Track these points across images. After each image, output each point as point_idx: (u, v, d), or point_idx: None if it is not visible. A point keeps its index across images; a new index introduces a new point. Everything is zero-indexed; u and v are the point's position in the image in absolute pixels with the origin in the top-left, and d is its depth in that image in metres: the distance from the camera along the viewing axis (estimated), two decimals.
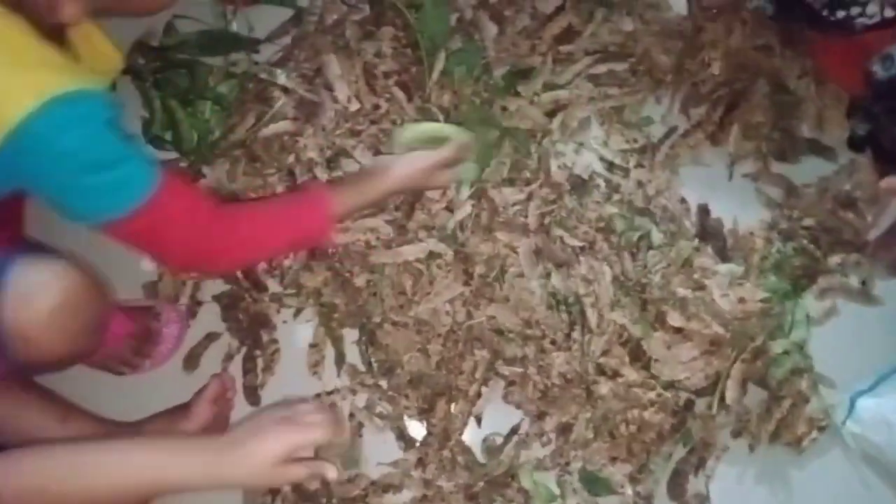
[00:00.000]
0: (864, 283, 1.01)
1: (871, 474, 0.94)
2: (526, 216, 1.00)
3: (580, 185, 1.03)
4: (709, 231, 1.02)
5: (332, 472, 0.68)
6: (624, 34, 1.11)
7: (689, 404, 0.92)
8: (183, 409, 0.91)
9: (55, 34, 0.71)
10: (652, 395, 0.86)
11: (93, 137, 0.68)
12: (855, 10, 0.96)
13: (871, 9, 0.95)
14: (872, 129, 1.02)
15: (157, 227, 0.73)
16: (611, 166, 1.05)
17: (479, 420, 0.96)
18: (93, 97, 0.68)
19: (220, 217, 0.79)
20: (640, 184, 1.03)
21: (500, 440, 0.93)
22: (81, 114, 0.67)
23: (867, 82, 0.99)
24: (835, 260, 1.01)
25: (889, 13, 0.94)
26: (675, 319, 0.87)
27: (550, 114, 1.07)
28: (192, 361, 1.00)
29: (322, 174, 0.98)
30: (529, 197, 1.01)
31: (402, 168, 0.89)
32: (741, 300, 0.88)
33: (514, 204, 1.00)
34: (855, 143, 1.05)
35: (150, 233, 0.74)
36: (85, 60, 0.78)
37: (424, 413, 0.93)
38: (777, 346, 0.94)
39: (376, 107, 1.01)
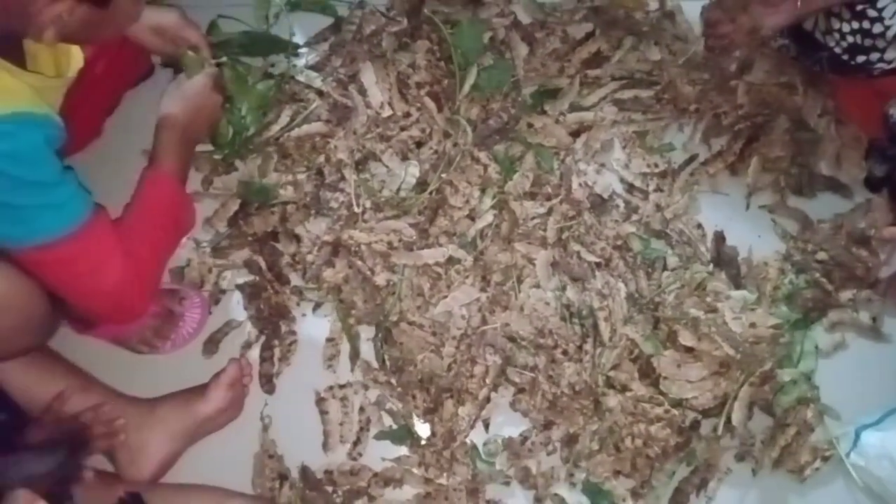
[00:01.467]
0: (874, 319, 1.03)
1: None
2: (545, 229, 1.02)
3: (600, 204, 1.06)
4: (723, 258, 1.04)
5: None
6: (651, 63, 1.15)
7: (696, 424, 0.93)
8: (199, 391, 0.94)
9: (10, 39, 0.71)
10: (659, 410, 0.88)
11: (30, 158, 0.69)
12: (874, 56, 0.99)
13: (890, 55, 0.98)
14: (889, 171, 1.05)
15: (68, 265, 0.74)
16: (631, 188, 1.08)
17: (486, 425, 0.97)
18: (35, 119, 0.69)
19: (126, 267, 0.80)
20: (658, 207, 1.06)
21: (503, 444, 0.95)
22: (22, 133, 0.67)
23: (885, 125, 1.01)
24: (846, 295, 1.03)
25: None
26: (686, 339, 0.89)
27: (575, 134, 1.10)
28: (211, 346, 1.02)
29: (350, 175, 1.02)
30: (549, 211, 1.03)
31: (173, 102, 0.92)
32: (752, 325, 0.90)
33: (534, 217, 1.03)
34: (871, 183, 1.08)
35: (60, 269, 0.75)
36: (41, 61, 0.78)
37: (431, 413, 0.95)
38: (785, 375, 0.96)
39: (407, 114, 1.05)
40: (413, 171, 1.01)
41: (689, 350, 0.90)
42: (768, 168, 1.09)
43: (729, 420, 0.89)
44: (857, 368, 1.01)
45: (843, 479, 0.95)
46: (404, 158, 1.04)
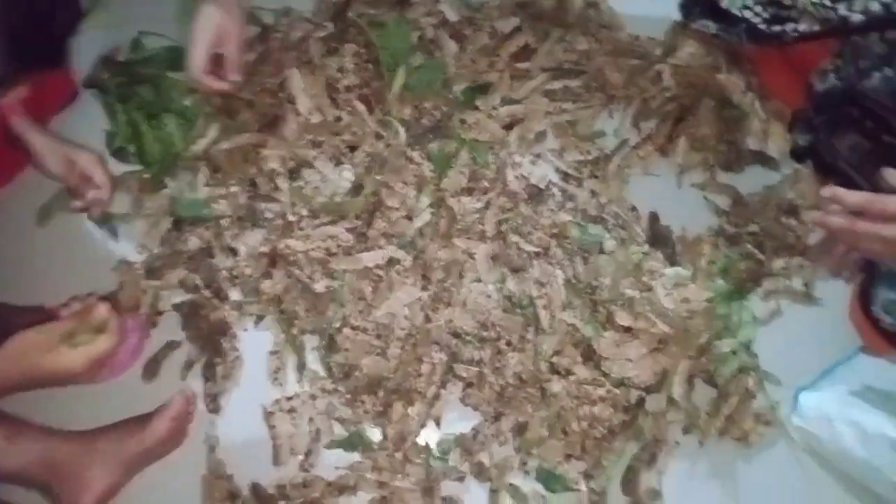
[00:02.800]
0: (806, 285, 1.06)
1: (814, 466, 0.97)
2: (483, 223, 1.03)
3: (536, 195, 1.07)
4: (658, 237, 1.06)
5: None
6: (578, 52, 1.17)
7: (641, 402, 0.95)
8: (141, 421, 0.92)
9: None
10: (602, 391, 0.89)
11: None
12: (790, 26, 1.02)
13: (803, 26, 1.01)
14: (813, 141, 1.08)
15: None
16: (566, 177, 1.09)
17: (437, 422, 0.98)
18: None
19: None
20: (593, 193, 1.08)
21: (455, 440, 0.95)
22: None
23: (808, 95, 1.05)
24: (779, 264, 1.06)
25: (816, 27, 1.00)
26: (623, 319, 0.91)
27: (508, 127, 1.11)
28: (151, 370, 1.00)
29: (283, 184, 1.01)
30: (487, 205, 1.04)
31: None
32: (685, 300, 0.92)
33: (472, 212, 1.04)
34: (797, 154, 1.11)
35: None
36: None
37: (381, 416, 0.94)
38: (724, 346, 0.98)
39: (338, 119, 1.04)
40: (347, 176, 1.01)
41: (628, 330, 0.92)
42: (697, 147, 1.12)
43: (671, 394, 0.91)
44: (793, 333, 1.04)
45: (787, 442, 0.97)
46: (338, 163, 1.04)
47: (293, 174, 1.03)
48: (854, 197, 0.72)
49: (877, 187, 0.79)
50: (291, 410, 0.98)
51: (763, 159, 1.14)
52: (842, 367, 0.98)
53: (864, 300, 0.98)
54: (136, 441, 0.89)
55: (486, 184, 1.05)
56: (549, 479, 0.94)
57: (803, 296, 1.05)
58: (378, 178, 1.01)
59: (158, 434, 0.90)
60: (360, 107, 1.05)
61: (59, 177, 0.97)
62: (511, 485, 0.95)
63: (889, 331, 0.92)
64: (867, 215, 0.72)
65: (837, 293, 1.03)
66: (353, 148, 1.05)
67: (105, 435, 0.90)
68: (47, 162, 0.95)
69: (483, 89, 1.11)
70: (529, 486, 0.95)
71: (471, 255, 1.00)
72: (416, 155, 1.03)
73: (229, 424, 0.98)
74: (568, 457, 0.94)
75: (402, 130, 1.04)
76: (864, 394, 0.92)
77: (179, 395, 0.94)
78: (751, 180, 1.12)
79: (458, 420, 0.98)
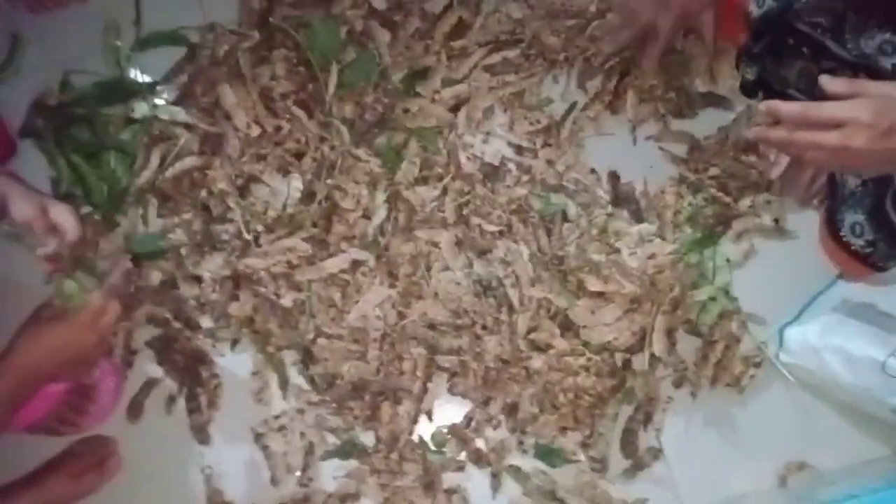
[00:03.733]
0: (776, 220, 1.05)
1: (810, 399, 0.97)
2: (443, 210, 1.01)
3: (492, 173, 1.05)
4: (621, 196, 1.05)
5: None
6: (513, 21, 1.14)
7: (627, 363, 0.95)
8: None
9: None
10: (582, 360, 0.88)
11: None
12: None
13: None
14: (760, 72, 1.06)
15: None
16: (519, 149, 1.07)
17: (429, 415, 0.97)
18: None
19: None
20: (549, 162, 1.06)
21: (449, 431, 0.94)
22: None
23: (747, 25, 1.03)
24: (745, 203, 1.05)
25: None
26: (593, 284, 0.90)
27: (454, 109, 1.09)
28: (135, 410, 0.99)
29: (234, 203, 0.99)
30: (444, 191, 1.02)
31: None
32: (651, 256, 0.91)
33: (430, 201, 1.02)
34: (746, 89, 1.09)
35: None
36: None
37: (371, 419, 0.94)
38: (703, 294, 0.97)
39: (278, 128, 1.02)
40: (296, 185, 0.99)
41: (601, 295, 0.90)
42: (645, 99, 1.10)
43: (653, 352, 0.90)
44: (769, 270, 1.03)
45: (779, 380, 0.97)
46: (286, 173, 1.01)
47: (243, 192, 1.01)
48: (789, 107, 0.71)
49: None
50: (281, 428, 0.97)
51: (714, 100, 1.12)
52: (822, 296, 0.98)
53: (832, 226, 0.97)
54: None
55: (439, 170, 1.03)
56: (548, 455, 0.94)
57: (775, 231, 1.04)
58: (329, 182, 0.99)
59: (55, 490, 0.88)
60: (299, 112, 1.02)
61: (25, 224, 0.90)
62: (511, 466, 0.95)
63: (861, 253, 0.92)
64: (805, 124, 0.70)
65: (809, 223, 1.02)
66: (299, 156, 1.02)
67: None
68: (17, 207, 0.88)
69: (422, 74, 1.09)
70: (530, 464, 0.95)
71: (435, 245, 0.99)
72: (362, 153, 1.01)
73: (221, 452, 0.97)
74: (563, 429, 0.93)
75: (345, 130, 1.02)
76: (848, 320, 0.92)
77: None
78: (705, 124, 1.11)
79: (450, 410, 0.97)
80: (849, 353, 0.88)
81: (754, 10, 0.99)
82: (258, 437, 0.96)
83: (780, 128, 0.73)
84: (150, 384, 0.99)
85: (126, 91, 1.10)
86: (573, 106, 1.11)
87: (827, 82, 0.70)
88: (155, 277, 1.01)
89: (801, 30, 0.84)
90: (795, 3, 0.91)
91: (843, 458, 0.95)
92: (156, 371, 1.00)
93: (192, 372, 0.98)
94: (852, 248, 0.92)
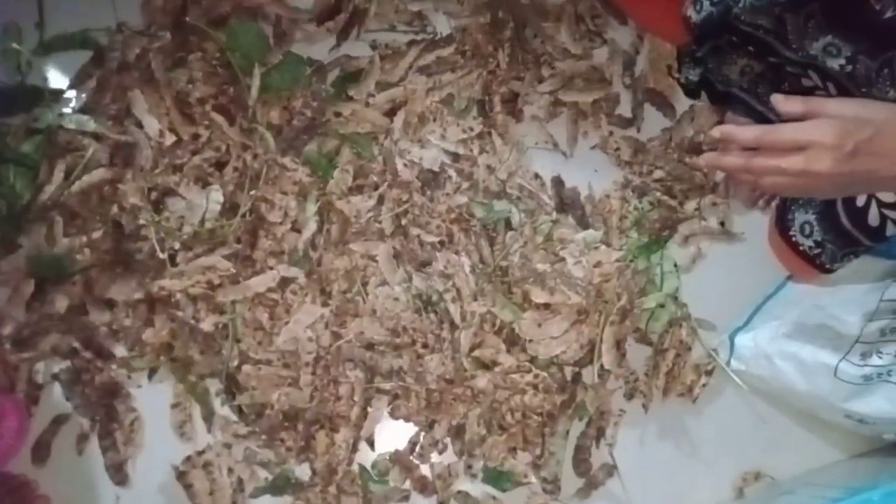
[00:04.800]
0: (722, 223, 1.02)
1: (764, 406, 0.94)
2: (380, 221, 0.95)
3: (431, 180, 0.99)
4: (566, 201, 1.00)
5: None
6: (410, 13, 1.06)
7: (577, 377, 0.90)
8: None
9: None
10: (529, 377, 0.83)
11: None
12: None
13: None
14: (703, 73, 1.04)
15: None
16: (456, 157, 1.01)
17: (371, 443, 0.90)
18: None
19: None
20: (490, 168, 1.01)
21: (391, 459, 0.88)
22: None
23: (686, 27, 1.00)
24: (691, 206, 1.02)
25: None
26: (538, 296, 0.85)
27: (389, 113, 1.03)
28: (41, 451, 0.89)
29: (147, 220, 0.90)
30: (380, 201, 0.96)
31: None
32: (597, 264, 0.87)
33: (365, 211, 0.95)
34: (689, 91, 1.07)
35: None
36: None
37: (305, 450, 0.86)
38: (651, 301, 0.93)
39: (195, 136, 0.94)
40: (216, 197, 0.90)
41: (546, 306, 0.86)
42: (582, 117, 1.05)
43: (602, 364, 0.86)
44: (718, 274, 1.00)
45: (732, 387, 0.94)
46: (205, 185, 0.93)
47: (159, 205, 0.93)
48: (746, 133, 0.67)
49: (774, 110, 0.75)
50: (206, 465, 0.88)
51: (657, 102, 1.09)
52: (772, 300, 0.95)
53: (781, 225, 0.95)
54: None
55: (374, 178, 0.97)
56: (498, 478, 0.88)
57: (722, 234, 1.02)
58: (252, 193, 0.91)
59: None
60: (218, 118, 0.94)
61: None
62: (460, 492, 0.89)
63: (808, 253, 0.89)
64: (762, 150, 0.67)
65: (756, 225, 1.00)
66: (219, 165, 0.94)
67: None
68: None
69: (354, 77, 1.03)
70: (479, 489, 0.89)
71: (371, 259, 0.92)
72: (290, 161, 0.94)
73: (141, 493, 0.89)
74: (512, 450, 0.88)
75: (270, 137, 0.94)
76: (798, 324, 0.89)
77: None
78: (648, 126, 1.08)
79: (392, 436, 0.91)
80: (801, 360, 0.86)
81: (693, 16, 0.97)
82: (181, 475, 0.88)
83: (735, 154, 0.69)
84: (58, 421, 0.90)
85: (28, 99, 1.00)
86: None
87: (780, 101, 0.66)
88: (61, 303, 0.92)
89: (745, 30, 0.81)
90: (734, 6, 0.89)
91: (799, 464, 0.93)
92: (65, 407, 0.90)
93: (106, 406, 0.90)
94: (801, 248, 0.89)
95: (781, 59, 0.77)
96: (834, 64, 0.71)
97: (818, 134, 0.62)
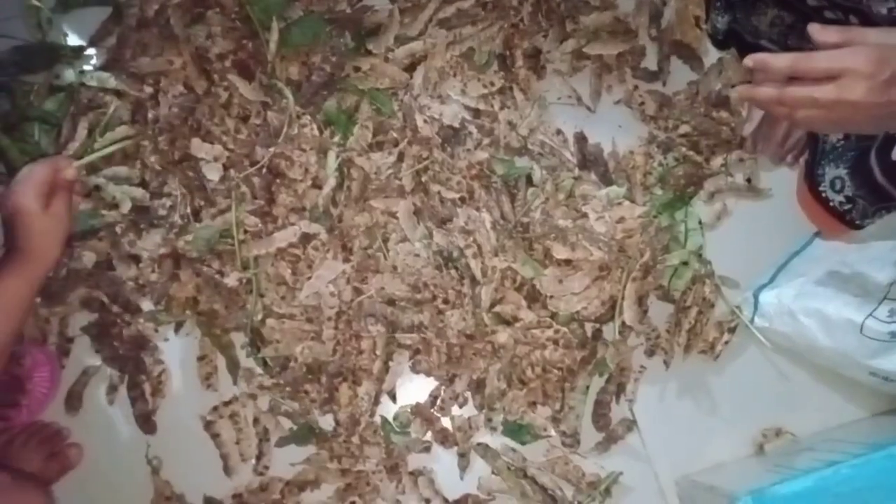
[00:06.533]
0: (748, 179, 1.00)
1: (786, 364, 0.94)
2: (400, 178, 0.94)
3: (452, 136, 0.98)
4: (589, 158, 0.99)
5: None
6: None
7: (598, 333, 0.90)
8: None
9: None
10: (549, 332, 0.83)
11: None
12: None
13: None
14: (731, 21, 1.00)
15: None
16: (477, 113, 1.00)
17: (393, 397, 0.92)
18: None
19: None
20: (511, 124, 0.99)
21: (412, 411, 0.89)
22: None
23: None
24: (717, 161, 1.00)
25: None
26: (560, 252, 0.84)
27: (409, 68, 1.01)
28: (73, 401, 0.92)
29: (171, 177, 0.90)
30: (400, 157, 0.95)
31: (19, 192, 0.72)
32: (620, 220, 0.85)
33: (385, 168, 0.95)
34: (718, 41, 1.04)
35: None
36: None
37: (329, 402, 0.88)
38: (674, 258, 0.92)
39: (207, 93, 0.93)
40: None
41: (568, 262, 0.85)
42: (607, 70, 1.02)
43: (624, 320, 0.86)
44: (743, 231, 0.98)
45: (755, 344, 0.93)
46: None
47: (181, 163, 0.93)
48: (780, 60, 0.63)
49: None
50: (233, 415, 0.91)
51: (684, 54, 1.06)
52: (798, 257, 0.94)
53: (811, 181, 0.92)
54: None
55: (394, 134, 0.96)
56: (518, 431, 0.89)
57: (748, 190, 1.00)
58: (272, 149, 0.91)
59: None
60: (237, 75, 0.93)
61: None
62: (480, 444, 0.90)
63: (839, 209, 0.87)
64: (796, 78, 0.64)
65: (784, 182, 0.98)
66: (244, 119, 0.94)
67: None
68: None
69: (374, 31, 1.01)
70: (499, 441, 0.91)
71: (392, 215, 0.92)
72: (307, 118, 0.93)
73: (169, 442, 0.91)
74: (532, 404, 0.89)
75: (290, 93, 0.94)
76: (824, 281, 0.88)
77: None
78: (674, 79, 1.05)
79: (413, 390, 0.92)
80: (826, 316, 0.85)
81: None
82: (208, 424, 0.90)
83: (769, 85, 0.66)
84: (88, 373, 0.93)
85: (50, 56, 1.01)
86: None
87: (817, 31, 0.63)
88: (88, 258, 0.93)
89: None
90: None
91: (820, 422, 0.92)
92: (94, 359, 0.93)
93: (134, 359, 0.92)
94: (830, 203, 0.87)
95: (823, 0, 0.73)
96: (881, 8, 0.68)
97: (852, 61, 0.59)
